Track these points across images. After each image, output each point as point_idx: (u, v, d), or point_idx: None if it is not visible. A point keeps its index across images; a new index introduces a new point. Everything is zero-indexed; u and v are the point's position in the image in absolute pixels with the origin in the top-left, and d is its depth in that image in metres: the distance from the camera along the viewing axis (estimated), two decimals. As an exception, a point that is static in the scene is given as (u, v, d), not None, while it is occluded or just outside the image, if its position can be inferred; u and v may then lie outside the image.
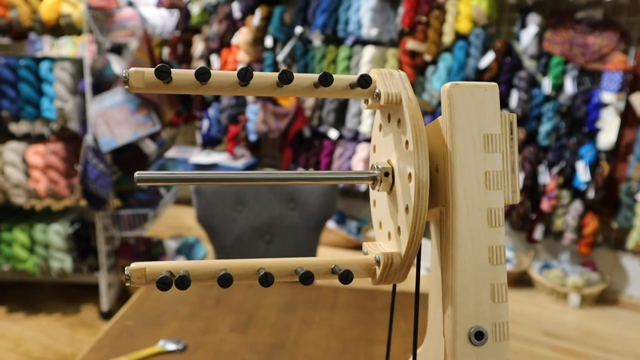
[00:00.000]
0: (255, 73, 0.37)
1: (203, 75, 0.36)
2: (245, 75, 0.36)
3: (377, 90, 0.39)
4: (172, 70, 0.36)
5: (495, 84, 0.38)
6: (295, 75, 0.38)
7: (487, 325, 0.36)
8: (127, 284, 0.37)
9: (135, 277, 0.36)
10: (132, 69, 0.36)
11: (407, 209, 0.37)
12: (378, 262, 0.39)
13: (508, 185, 0.38)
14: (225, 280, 0.36)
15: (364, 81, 0.38)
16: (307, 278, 0.37)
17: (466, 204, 0.36)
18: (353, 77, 0.39)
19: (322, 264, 0.39)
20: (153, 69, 0.36)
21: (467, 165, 0.36)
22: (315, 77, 0.39)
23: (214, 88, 0.37)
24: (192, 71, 0.36)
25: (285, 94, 0.39)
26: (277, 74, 0.38)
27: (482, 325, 0.36)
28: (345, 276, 0.37)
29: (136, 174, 0.37)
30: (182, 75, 0.36)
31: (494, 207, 0.37)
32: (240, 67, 0.37)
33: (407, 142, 0.37)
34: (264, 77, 0.38)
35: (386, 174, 0.41)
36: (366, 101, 0.42)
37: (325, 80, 0.38)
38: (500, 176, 0.37)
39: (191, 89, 0.37)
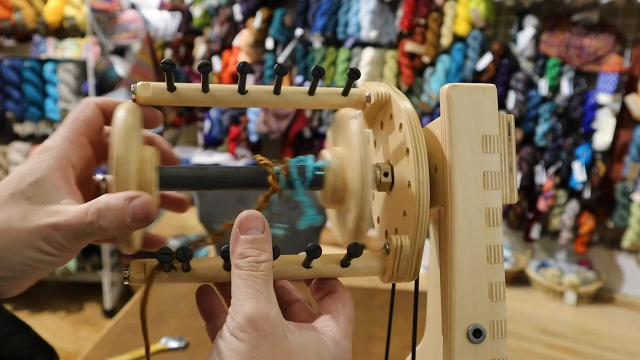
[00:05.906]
0: (251, 88, 0.39)
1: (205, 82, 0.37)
2: (243, 68, 0.36)
3: (367, 94, 0.40)
4: (176, 85, 0.37)
5: (493, 85, 0.38)
6: (288, 89, 0.39)
7: (485, 323, 0.36)
8: (126, 282, 0.35)
9: (134, 272, 0.34)
10: (139, 83, 0.37)
11: (405, 213, 0.38)
12: (387, 250, 0.38)
13: (506, 185, 0.38)
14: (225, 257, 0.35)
15: (354, 74, 0.38)
16: (314, 249, 0.36)
17: (464, 204, 0.36)
18: (339, 90, 0.40)
19: (327, 256, 0.39)
20: (158, 84, 0.37)
21: (466, 165, 0.36)
22: (305, 90, 0.40)
23: (216, 102, 0.39)
24: (198, 85, 0.37)
25: (279, 106, 0.40)
26: (272, 87, 0.39)
27: (480, 323, 0.36)
28: (354, 248, 0.36)
29: None
30: (187, 89, 0.38)
31: (492, 206, 0.36)
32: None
33: (407, 150, 0.37)
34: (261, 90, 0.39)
35: (386, 174, 0.40)
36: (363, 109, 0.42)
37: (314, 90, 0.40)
38: (498, 176, 0.37)
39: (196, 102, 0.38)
